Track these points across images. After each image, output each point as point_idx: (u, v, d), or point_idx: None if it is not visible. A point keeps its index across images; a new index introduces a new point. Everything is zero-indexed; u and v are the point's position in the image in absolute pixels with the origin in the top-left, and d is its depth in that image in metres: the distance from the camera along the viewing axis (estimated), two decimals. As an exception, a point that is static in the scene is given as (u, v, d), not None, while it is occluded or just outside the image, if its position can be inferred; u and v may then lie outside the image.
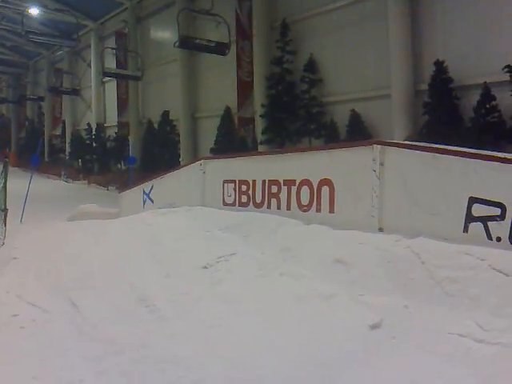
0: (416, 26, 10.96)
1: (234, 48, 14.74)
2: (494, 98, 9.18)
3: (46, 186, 20.67)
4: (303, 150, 6.21)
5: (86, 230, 6.37)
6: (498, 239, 3.44)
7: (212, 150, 15.58)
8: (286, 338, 3.21)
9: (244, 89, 15.50)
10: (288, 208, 5.27)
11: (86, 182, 22.54)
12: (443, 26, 10.51)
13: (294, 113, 13.58)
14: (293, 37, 13.80)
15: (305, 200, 5.08)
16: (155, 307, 3.84)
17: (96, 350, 3.23)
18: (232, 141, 15.32)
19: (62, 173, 25.12)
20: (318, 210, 4.92)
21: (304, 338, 3.19)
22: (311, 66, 13.25)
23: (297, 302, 3.67)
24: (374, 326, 3.20)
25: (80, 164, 25.75)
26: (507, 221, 3.38)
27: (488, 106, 9.22)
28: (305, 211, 5.06)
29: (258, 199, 5.70)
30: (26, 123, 35.66)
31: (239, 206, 5.97)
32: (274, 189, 5.47)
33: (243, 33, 15.45)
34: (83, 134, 25.94)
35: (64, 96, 28.53)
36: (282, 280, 4.06)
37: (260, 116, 14.43)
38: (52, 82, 27.91)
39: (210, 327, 3.45)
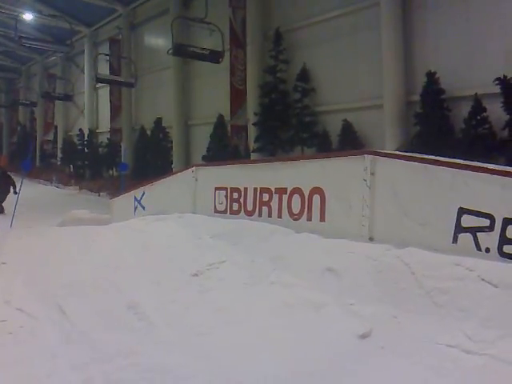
0: (408, 38, 11.05)
1: (227, 56, 14.77)
2: (484, 110, 9.26)
3: (36, 191, 20.57)
4: (295, 159, 6.23)
5: (77, 235, 6.33)
6: (487, 250, 3.46)
7: (204, 158, 15.56)
8: (275, 347, 3.20)
9: (237, 97, 15.53)
10: (279, 216, 5.28)
11: (77, 187, 22.44)
12: (435, 38, 10.60)
13: (286, 121, 13.62)
14: (286, 46, 13.86)
15: (296, 208, 5.09)
16: (144, 314, 3.81)
17: (83, 356, 3.20)
18: (224, 148, 15.32)
19: (53, 178, 25.01)
20: (309, 218, 4.94)
21: (293, 347, 3.19)
22: (304, 75, 13.30)
23: (287, 310, 3.66)
24: (364, 336, 3.20)
25: (71, 170, 25.66)
26: (496, 232, 3.41)
27: (479, 117, 9.29)
28: (296, 219, 5.07)
29: (250, 207, 5.70)
30: (18, 128, 35.47)
31: (230, 213, 5.97)
32: (266, 197, 5.48)
33: (237, 41, 15.50)
34: (75, 139, 25.86)
35: (56, 101, 28.42)
36: (272, 288, 4.06)
37: (253, 124, 14.46)
38: (45, 87, 27.85)
39: (198, 335, 3.43)
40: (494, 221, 3.42)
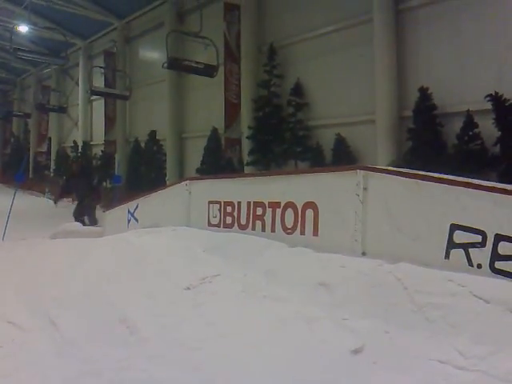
0: (401, 53, 11.16)
1: (222, 70, 14.86)
2: (476, 126, 9.33)
3: (29, 202, 20.46)
4: (288, 173, 6.26)
5: (69, 248, 6.31)
6: (479, 266, 3.48)
7: (198, 171, 15.58)
8: (267, 361, 3.20)
9: (231, 110, 15.60)
10: (272, 230, 5.29)
11: (70, 199, 22.33)
12: (428, 54, 10.71)
13: (280, 135, 13.67)
14: (280, 61, 13.95)
15: (289, 222, 5.10)
16: (136, 328, 3.80)
17: (75, 370, 3.18)
18: (218, 161, 15.35)
19: (46, 190, 24.91)
20: (303, 232, 4.95)
21: (286, 362, 3.18)
22: (298, 89, 13.39)
23: (280, 324, 3.66)
24: (356, 351, 3.20)
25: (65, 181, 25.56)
26: (488, 248, 3.43)
27: (471, 133, 9.36)
28: (289, 234, 5.08)
29: (243, 221, 5.71)
30: (12, 139, 35.40)
31: (224, 227, 5.97)
32: (259, 211, 5.49)
33: (231, 55, 15.60)
34: (69, 151, 25.82)
35: (50, 113, 28.39)
36: (265, 302, 4.06)
37: (247, 138, 14.50)
38: (39, 99, 27.83)
39: (190, 349, 3.42)
40: (486, 237, 3.44)
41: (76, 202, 12.25)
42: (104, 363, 3.26)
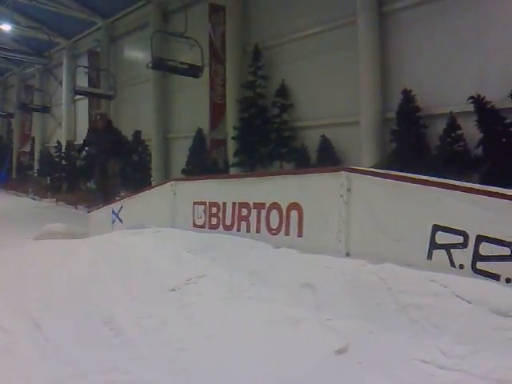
0: (385, 55, 11.27)
1: (207, 71, 14.86)
2: (459, 128, 9.46)
3: (12, 203, 20.27)
4: (273, 174, 6.28)
5: (53, 249, 6.27)
6: (461, 266, 3.53)
7: (184, 171, 15.57)
8: (251, 361, 3.21)
9: (216, 111, 15.61)
10: (257, 231, 5.30)
11: (53, 200, 22.17)
12: (411, 56, 10.83)
13: (265, 136, 13.72)
14: (265, 62, 14.00)
15: (274, 223, 5.12)
16: (120, 329, 3.79)
17: (59, 372, 3.17)
18: (204, 162, 15.36)
19: (30, 190, 24.69)
20: (287, 233, 4.97)
21: (270, 363, 3.20)
22: (283, 91, 13.45)
23: (264, 325, 3.67)
24: (340, 351, 3.22)
25: (48, 182, 25.39)
26: (469, 249, 3.48)
27: (454, 134, 9.49)
28: (274, 234, 5.10)
29: (228, 221, 5.71)
30: (-6, 139, 35.04)
31: (209, 228, 5.98)
32: (244, 211, 5.50)
33: (216, 56, 15.60)
34: (52, 151, 25.62)
35: (34, 113, 28.14)
36: (250, 303, 4.07)
37: (232, 138, 14.53)
38: (22, 98, 27.54)
39: (175, 350, 3.42)
40: (468, 238, 3.49)
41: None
42: (89, 365, 3.25)
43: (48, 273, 5.21)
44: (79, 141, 24.30)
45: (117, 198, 7.71)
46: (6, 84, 33.83)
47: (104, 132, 9.82)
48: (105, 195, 9.61)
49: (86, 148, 11.36)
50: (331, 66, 12.53)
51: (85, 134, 11.09)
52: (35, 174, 27.26)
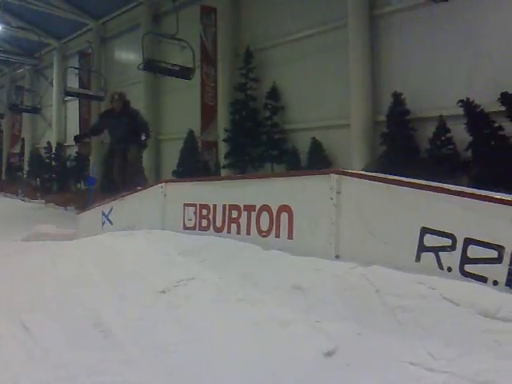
0: (375, 59, 11.33)
1: (198, 73, 14.86)
2: (448, 131, 9.53)
3: (1, 204, 20.15)
4: (263, 177, 6.29)
5: (42, 251, 6.24)
6: (449, 269, 3.56)
7: (175, 173, 15.54)
8: (241, 364, 3.22)
9: (208, 113, 15.61)
10: (248, 233, 5.31)
11: (43, 201, 22.05)
12: (401, 60, 10.89)
13: (256, 138, 13.75)
14: (256, 64, 14.03)
15: (264, 226, 5.13)
16: (110, 332, 3.78)
17: (47, 375, 3.15)
18: (195, 164, 15.34)
19: (19, 191, 24.55)
20: (277, 235, 4.98)
21: (259, 365, 3.20)
22: (274, 93, 13.48)
23: (254, 327, 3.68)
24: (329, 353, 3.23)
25: (38, 183, 25.26)
26: (457, 251, 3.51)
27: (443, 137, 9.55)
28: (264, 236, 5.11)
29: (219, 223, 5.72)
30: (-16, 140, 34.78)
31: (199, 229, 5.98)
32: (235, 214, 5.51)
33: (208, 58, 15.61)
34: (42, 152, 25.50)
35: (24, 114, 28.00)
36: (240, 306, 4.07)
37: (223, 140, 14.55)
38: (12, 99, 27.37)
39: (165, 352, 3.42)
40: (456, 240, 3.52)
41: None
42: (77, 368, 3.23)
43: (37, 275, 5.18)
44: (70, 142, 24.27)
45: (138, 188, 7.33)
46: (-4, 84, 33.66)
47: (121, 115, 8.67)
48: (124, 186, 8.54)
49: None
50: (322, 69, 12.58)
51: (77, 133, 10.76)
52: (25, 175, 27.12)
